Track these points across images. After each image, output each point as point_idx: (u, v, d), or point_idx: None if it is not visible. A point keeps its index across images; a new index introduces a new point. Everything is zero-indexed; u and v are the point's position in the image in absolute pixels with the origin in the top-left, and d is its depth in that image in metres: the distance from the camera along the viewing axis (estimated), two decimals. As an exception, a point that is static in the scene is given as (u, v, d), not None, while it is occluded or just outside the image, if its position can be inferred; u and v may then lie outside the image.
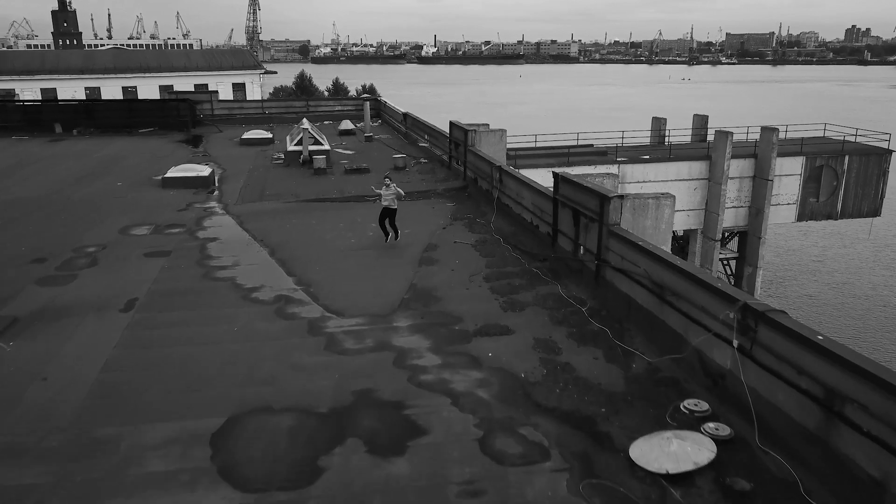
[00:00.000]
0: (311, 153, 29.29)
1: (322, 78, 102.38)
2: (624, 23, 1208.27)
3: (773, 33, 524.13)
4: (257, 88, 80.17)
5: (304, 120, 33.16)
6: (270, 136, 37.41)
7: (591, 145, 42.48)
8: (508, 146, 31.74)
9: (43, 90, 67.42)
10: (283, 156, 31.07)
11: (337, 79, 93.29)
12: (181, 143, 37.07)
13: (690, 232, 41.90)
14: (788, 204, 41.68)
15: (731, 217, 40.92)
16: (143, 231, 19.75)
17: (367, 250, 17.73)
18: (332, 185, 25.64)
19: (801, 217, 42.30)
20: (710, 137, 43.11)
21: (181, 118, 42.20)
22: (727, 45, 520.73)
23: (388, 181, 17.63)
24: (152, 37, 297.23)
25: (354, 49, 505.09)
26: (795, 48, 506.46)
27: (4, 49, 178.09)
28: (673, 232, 45.23)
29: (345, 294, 14.52)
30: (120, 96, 69.27)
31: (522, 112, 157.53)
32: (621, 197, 13.26)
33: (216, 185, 26.38)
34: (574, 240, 14.86)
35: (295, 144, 30.31)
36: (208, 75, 74.48)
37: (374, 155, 32.45)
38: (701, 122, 47.08)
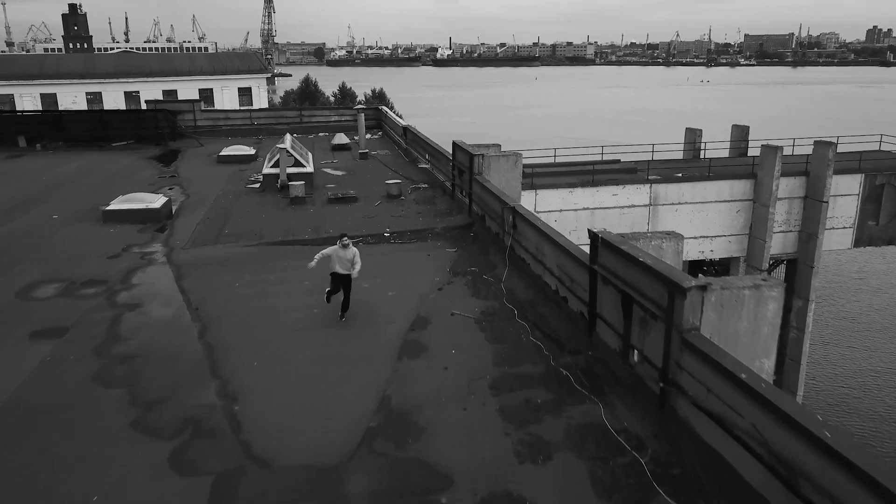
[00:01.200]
0: (289, 177, 24.72)
1: (336, 81, 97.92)
2: (640, 24, 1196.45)
3: (793, 34, 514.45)
4: (265, 93, 75.95)
5: (287, 136, 28.57)
6: (253, 152, 32.86)
7: (618, 161, 37.54)
8: (524, 162, 27.05)
9: (42, 95, 63.94)
10: (260, 178, 26.52)
11: (344, 83, 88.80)
12: (152, 160, 32.62)
13: (732, 260, 36.83)
14: (844, 228, 36.43)
15: (778, 243, 35.77)
16: (50, 291, 15.18)
17: (329, 328, 13.02)
18: (307, 220, 20.98)
19: (859, 242, 37.01)
20: (752, 151, 38.08)
21: (159, 130, 37.86)
22: (746, 47, 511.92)
23: (345, 241, 13.07)
24: (168, 40, 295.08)
25: (369, 51, 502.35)
26: (815, 49, 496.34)
27: (2, 53, 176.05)
28: (710, 260, 40.35)
29: (283, 418, 9.83)
30: (122, 101, 66.08)
31: (540, 115, 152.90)
32: (703, 288, 8.45)
33: (172, 217, 21.87)
34: (623, 337, 10.07)
35: (272, 166, 25.72)
36: (213, 79, 70.55)
37: (367, 176, 27.84)
38: (741, 133, 41.78)
